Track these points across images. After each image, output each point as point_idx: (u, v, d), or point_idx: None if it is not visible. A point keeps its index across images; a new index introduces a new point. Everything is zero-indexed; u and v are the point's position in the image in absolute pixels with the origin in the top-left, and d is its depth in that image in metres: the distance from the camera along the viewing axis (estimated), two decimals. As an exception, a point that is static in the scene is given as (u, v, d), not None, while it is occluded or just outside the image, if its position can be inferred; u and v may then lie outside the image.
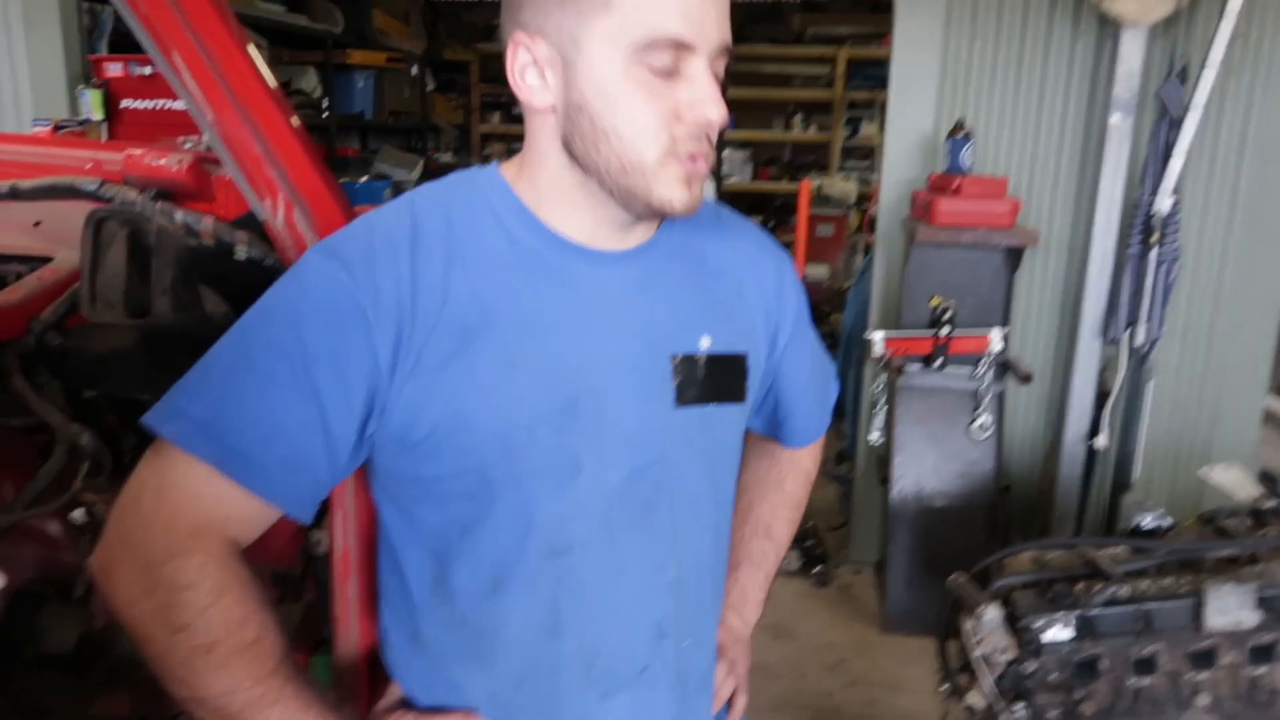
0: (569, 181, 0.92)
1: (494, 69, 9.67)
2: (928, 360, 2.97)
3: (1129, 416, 3.00)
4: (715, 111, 0.87)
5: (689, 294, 1.00)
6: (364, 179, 6.92)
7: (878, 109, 8.91)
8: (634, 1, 0.83)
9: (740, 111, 9.11)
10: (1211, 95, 2.75)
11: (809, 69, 9.12)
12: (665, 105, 0.86)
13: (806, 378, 1.17)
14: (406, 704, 1.01)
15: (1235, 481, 2.09)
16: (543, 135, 0.91)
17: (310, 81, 6.82)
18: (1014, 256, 2.93)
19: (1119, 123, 2.89)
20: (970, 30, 3.10)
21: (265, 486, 0.86)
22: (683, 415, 0.97)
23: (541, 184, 0.93)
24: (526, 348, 0.90)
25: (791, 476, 1.26)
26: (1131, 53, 2.85)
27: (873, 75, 8.83)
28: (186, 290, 1.00)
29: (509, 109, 9.67)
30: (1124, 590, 1.83)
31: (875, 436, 3.13)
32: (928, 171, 3.14)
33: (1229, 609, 1.81)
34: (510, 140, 9.63)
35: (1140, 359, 2.95)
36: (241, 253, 1.08)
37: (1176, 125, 2.76)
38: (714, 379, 0.99)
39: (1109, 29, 3.00)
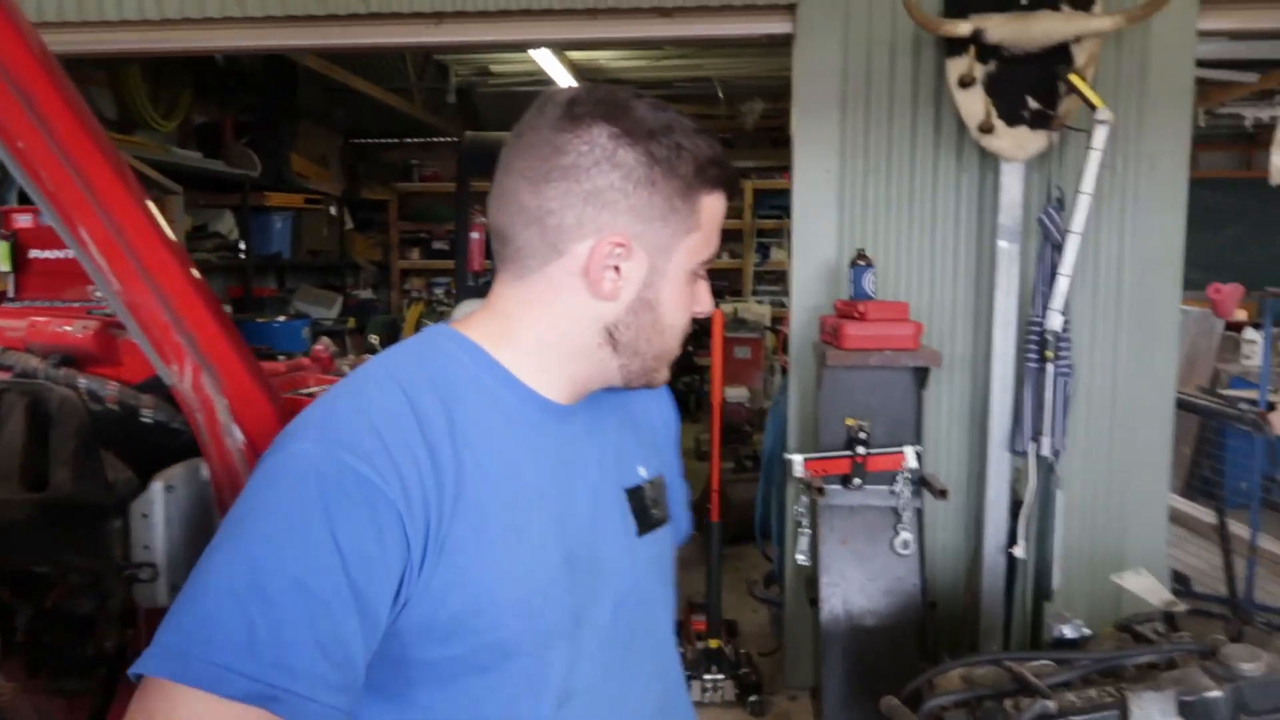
0: (585, 356, 0.97)
1: (412, 206, 9.83)
2: (846, 480, 3.02)
3: (1043, 526, 3.08)
4: (709, 308, 1.01)
5: (620, 430, 1.07)
6: (282, 318, 6.90)
7: (785, 236, 9.31)
8: (708, 230, 0.97)
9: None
10: (1088, 220, 2.96)
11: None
12: (689, 307, 1.00)
13: (680, 484, 1.21)
14: None
15: (1147, 587, 2.16)
16: (583, 316, 0.96)
17: (227, 224, 6.83)
18: (921, 375, 3.04)
19: (1007, 248, 3.07)
20: (863, 164, 3.30)
21: (317, 716, 0.78)
22: (644, 543, 1.04)
23: (532, 349, 0.97)
24: (529, 516, 0.92)
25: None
26: (1012, 184, 3.06)
27: (778, 204, 9.27)
28: (88, 459, 0.98)
29: (428, 245, 9.81)
30: (1051, 705, 1.85)
31: (801, 558, 3.14)
32: (834, 297, 3.27)
33: (1151, 717, 1.84)
34: (429, 274, 9.73)
35: (1048, 469, 3.05)
36: (148, 416, 1.07)
37: (1059, 249, 2.95)
38: (655, 504, 1.06)
39: (990, 162, 3.22)
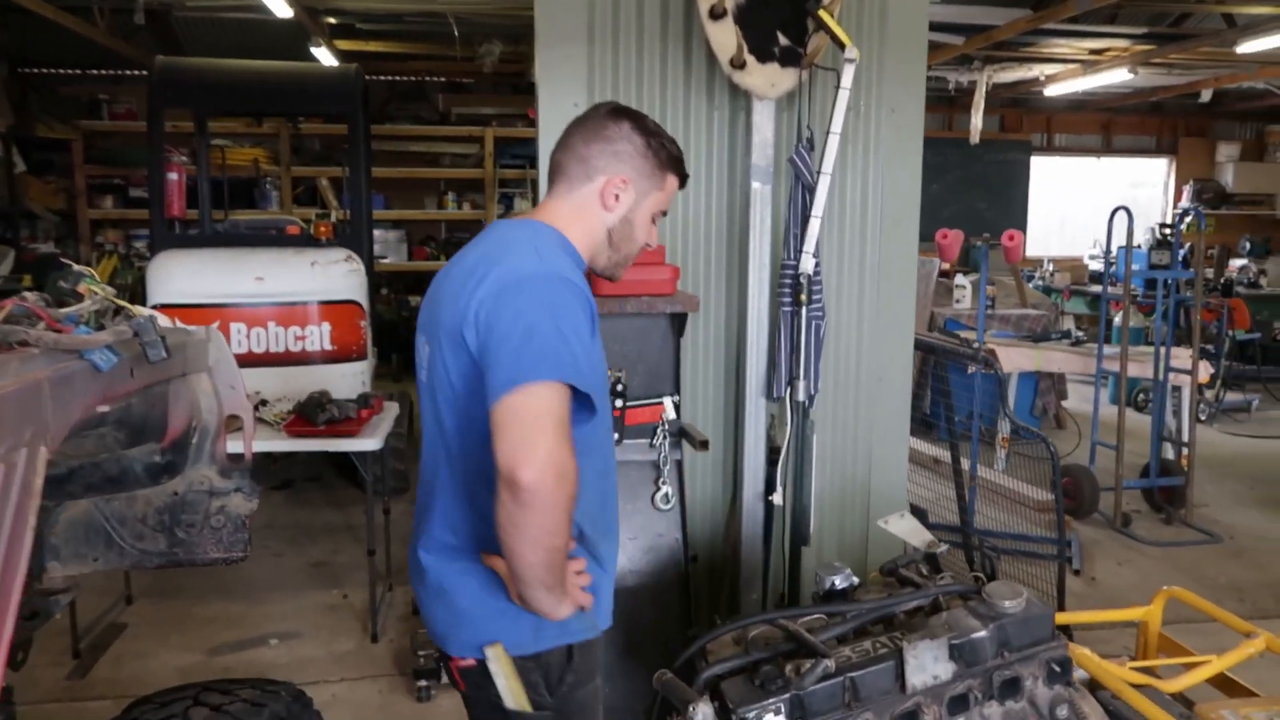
0: (597, 247, 1.76)
1: (102, 148, 8.57)
2: (605, 436, 2.83)
3: (799, 471, 3.06)
4: (655, 245, 1.86)
5: None
6: (-72, 278, 5.75)
7: (529, 187, 9.03)
8: (666, 195, 1.79)
9: (390, 191, 8.82)
10: (836, 163, 2.91)
11: (458, 148, 9.05)
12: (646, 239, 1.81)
13: None
14: None
15: (909, 530, 2.13)
16: (599, 221, 1.74)
17: None
18: (678, 322, 2.90)
19: (759, 189, 2.98)
20: (613, 100, 3.07)
21: (589, 388, 1.54)
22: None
23: (576, 237, 1.73)
24: (597, 340, 1.65)
25: None
26: (764, 123, 2.96)
27: (520, 154, 8.94)
28: None
29: (124, 193, 8.61)
30: (830, 663, 1.75)
31: (559, 522, 2.93)
32: (586, 242, 3.05)
33: (926, 665, 1.79)
34: (127, 226, 8.55)
35: (804, 414, 3.02)
36: None
37: (810, 190, 2.89)
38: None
39: (740, 100, 3.11)
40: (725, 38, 2.84)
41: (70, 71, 8.50)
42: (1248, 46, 7.10)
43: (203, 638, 3.58)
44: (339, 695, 3.17)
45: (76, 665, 3.34)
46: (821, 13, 2.79)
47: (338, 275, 4.54)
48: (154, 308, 4.55)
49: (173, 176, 4.75)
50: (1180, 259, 8.02)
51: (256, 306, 4.46)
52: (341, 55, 7.29)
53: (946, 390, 3.91)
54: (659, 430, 2.92)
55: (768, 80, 2.90)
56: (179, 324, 1.98)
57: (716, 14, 2.82)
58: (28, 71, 8.25)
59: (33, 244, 8.08)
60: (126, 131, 8.41)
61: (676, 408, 2.95)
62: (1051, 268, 9.53)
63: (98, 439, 1.57)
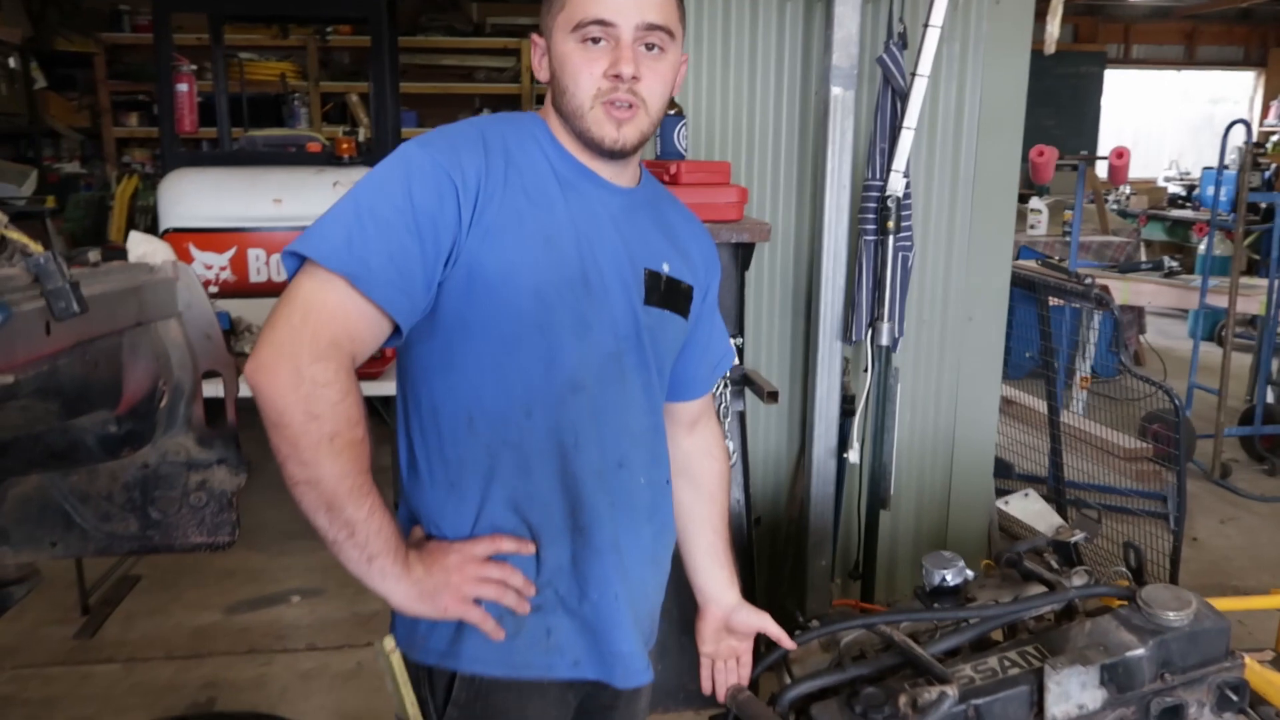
0: (561, 126, 1.30)
1: (126, 62, 8.18)
2: (657, 384, 2.46)
3: (879, 426, 2.67)
4: (625, 68, 1.23)
5: (656, 232, 1.37)
6: (-59, 198, 5.46)
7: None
8: (575, 1, 1.24)
9: (423, 107, 8.35)
10: (932, 63, 2.45)
11: (492, 61, 8.53)
12: (596, 67, 1.24)
13: (701, 349, 1.50)
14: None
15: (1035, 513, 1.75)
16: (548, 101, 1.32)
17: None
18: (744, 253, 2.50)
19: (841, 95, 2.53)
20: (669, -9, 2.62)
21: (386, 299, 1.14)
22: (647, 312, 1.32)
23: (557, 130, 1.31)
24: (558, 232, 1.25)
25: (716, 454, 1.59)
26: (848, 15, 2.49)
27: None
28: None
29: (149, 109, 8.24)
30: (952, 690, 1.39)
31: (605, 480, 2.58)
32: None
33: (1071, 693, 1.42)
34: (152, 145, 8.20)
35: (886, 360, 2.62)
36: None
37: (903, 97, 2.44)
38: (669, 294, 1.35)
39: (818, -10, 2.65)
40: (805, -91, 2.37)
41: (88, -20, 8.07)
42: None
43: (221, 592, 3.33)
44: (364, 663, 2.89)
45: (85, 623, 3.09)
46: (924, -124, 2.31)
47: (362, 197, 4.15)
48: (165, 233, 4.23)
49: (183, 88, 4.37)
50: (1266, 180, 7.40)
51: (275, 231, 4.10)
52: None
53: (1043, 327, 3.46)
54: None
55: (855, -38, 2.42)
56: (144, 256, 1.62)
57: (795, -120, 2.34)
58: (44, -19, 7.84)
59: (56, 164, 7.78)
60: (149, 44, 7.99)
61: (740, 352, 2.56)
62: (1129, 191, 8.86)
63: (22, 411, 1.23)
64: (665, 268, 1.34)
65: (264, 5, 4.89)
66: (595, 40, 1.23)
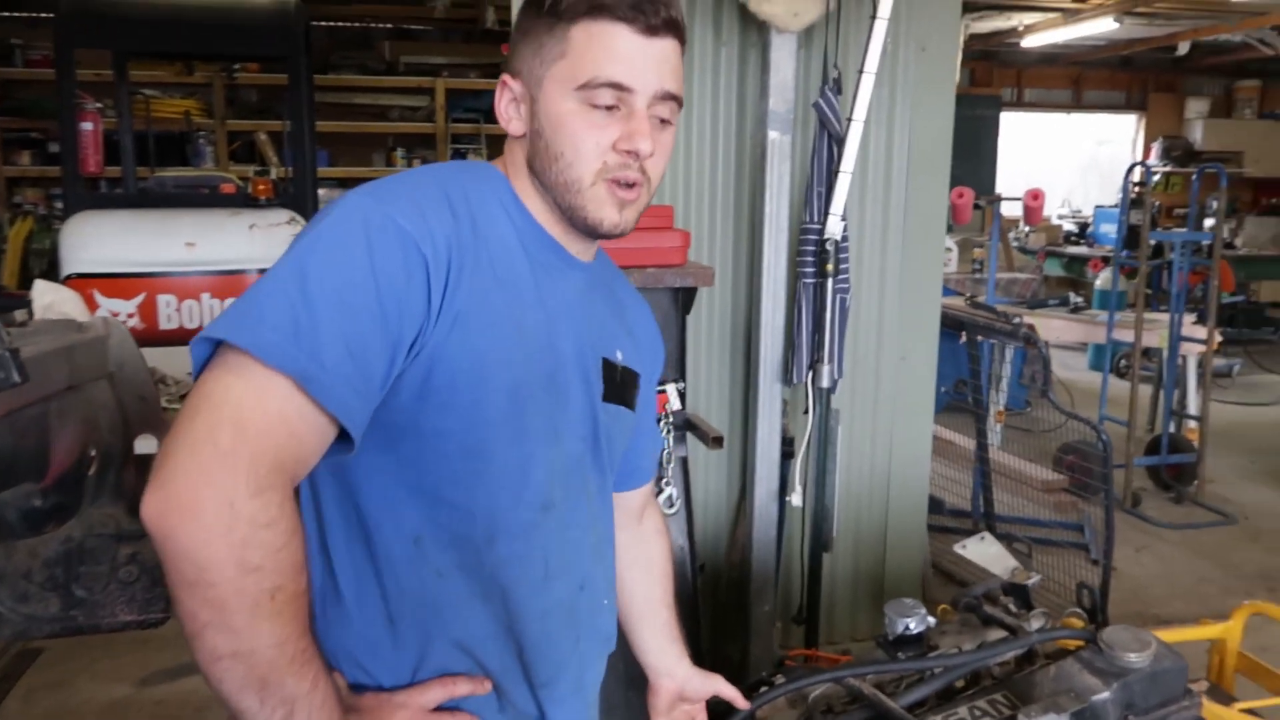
0: (536, 196, 1.10)
1: (18, 98, 7.80)
2: (601, 431, 2.43)
3: (820, 468, 2.68)
4: (643, 144, 1.03)
5: (609, 314, 1.20)
6: None
7: (484, 141, 8.47)
8: (582, 50, 1.02)
9: (334, 146, 8.20)
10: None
11: (407, 100, 8.44)
12: (604, 136, 1.04)
13: (649, 433, 1.39)
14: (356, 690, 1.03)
15: (991, 556, 1.76)
16: (518, 158, 1.10)
17: None
18: (685, 298, 2.48)
19: (778, 140, 2.56)
20: (604, 35, 2.62)
21: (340, 403, 0.87)
22: (605, 409, 1.15)
23: (524, 193, 1.10)
24: (530, 319, 1.04)
25: (656, 541, 1.48)
26: (783, 61, 2.53)
27: (474, 107, 8.36)
28: None
29: (43, 147, 7.87)
30: (925, 744, 1.38)
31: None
32: (574, 203, 2.61)
33: (1044, 742, 1.42)
34: (48, 184, 7.82)
35: (827, 402, 2.63)
36: None
37: (839, 141, 2.48)
38: (623, 386, 1.19)
39: (751, 35, 2.68)
40: (741, -42, 2.40)
41: (-26, 13, 7.70)
42: (1241, -6, 6.81)
43: (134, 662, 3.11)
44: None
45: (-22, 700, 2.86)
46: (856, -71, 2.36)
47: (280, 239, 4.01)
48: (67, 278, 4.02)
49: (87, 126, 4.18)
50: (1149, 219, 7.83)
51: (188, 276, 3.94)
52: (278, -4, 6.64)
53: (973, 366, 3.54)
54: (663, 422, 2.51)
55: (790, 8, 2.46)
56: (76, 313, 1.51)
57: (731, -70, 2.37)
58: (-73, 13, 7.46)
59: (-63, 204, 7.36)
60: (44, 80, 7.63)
61: (682, 396, 2.54)
62: (1027, 229, 9.24)
63: (-61, 488, 1.12)
64: (619, 355, 1.19)
65: (175, 42, 4.72)
66: (603, 102, 1.03)
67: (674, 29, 1.05)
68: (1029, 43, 9.09)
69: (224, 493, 0.81)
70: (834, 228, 2.51)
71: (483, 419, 0.99)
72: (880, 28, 2.35)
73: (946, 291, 6.10)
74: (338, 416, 0.88)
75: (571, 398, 1.09)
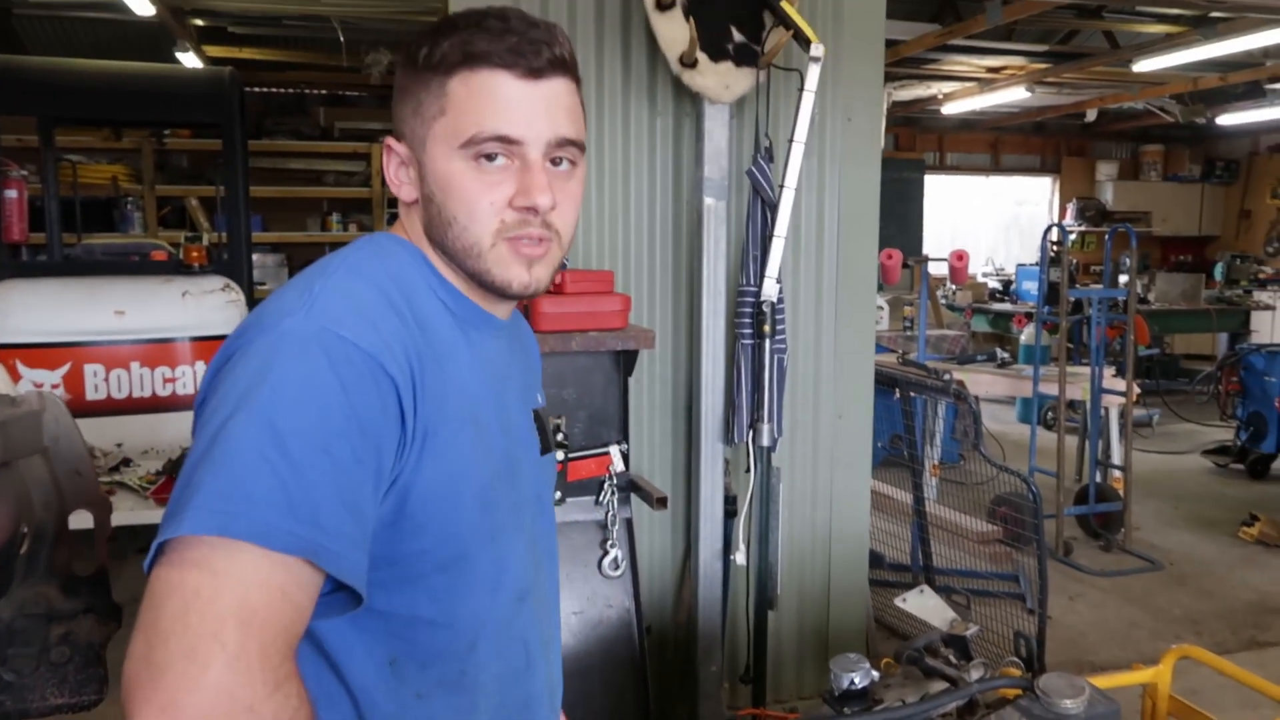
0: (443, 262, 1.02)
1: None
2: (544, 495, 2.43)
3: (763, 525, 2.70)
4: (541, 199, 0.95)
5: (524, 363, 1.17)
6: None
7: (421, 205, 8.51)
8: (462, 104, 0.95)
9: (268, 211, 8.14)
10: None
11: (342, 165, 8.44)
12: (498, 194, 0.96)
13: None
14: None
15: (930, 608, 1.80)
16: (416, 225, 1.02)
17: None
18: (627, 360, 2.52)
19: (714, 205, 2.63)
20: (542, 105, 2.68)
21: (350, 570, 0.81)
22: (542, 462, 1.13)
23: (436, 261, 1.02)
24: (481, 412, 0.98)
25: None
26: (717, 131, 2.62)
27: (414, 171, 8.40)
28: None
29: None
30: (877, 802, 1.39)
31: (491, 597, 2.49)
32: (515, 268, 2.64)
33: (990, 793, 1.45)
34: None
35: (768, 461, 2.67)
36: None
37: (772, 207, 2.56)
38: (544, 431, 1.16)
39: (685, 105, 2.77)
40: (674, 32, 2.49)
41: (-107, 78, 7.51)
42: (1142, 65, 7.22)
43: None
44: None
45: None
46: (784, 5, 2.47)
47: (214, 306, 3.96)
48: (-11, 348, 3.89)
49: (12, 194, 4.09)
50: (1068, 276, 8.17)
51: (117, 345, 3.84)
52: (211, 63, 6.63)
53: (906, 421, 3.63)
54: (606, 484, 2.53)
55: (721, 81, 2.55)
56: (2, 386, 1.48)
57: (664, 5, 2.46)
58: None
59: None
60: (-39, 145, 7.48)
61: (625, 458, 2.56)
62: (954, 287, 9.54)
63: None
64: (539, 399, 1.18)
65: (105, 109, 4.67)
66: (491, 157, 0.95)
67: (561, 68, 0.97)
68: (949, 109, 9.50)
69: (241, 702, 0.72)
70: (770, 290, 2.57)
71: (455, 532, 0.93)
72: (808, 100, 2.45)
73: (880, 349, 6.26)
74: (349, 582, 0.81)
75: (521, 471, 1.05)
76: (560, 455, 2.44)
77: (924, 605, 1.85)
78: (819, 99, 2.88)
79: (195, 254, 4.24)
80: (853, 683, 1.68)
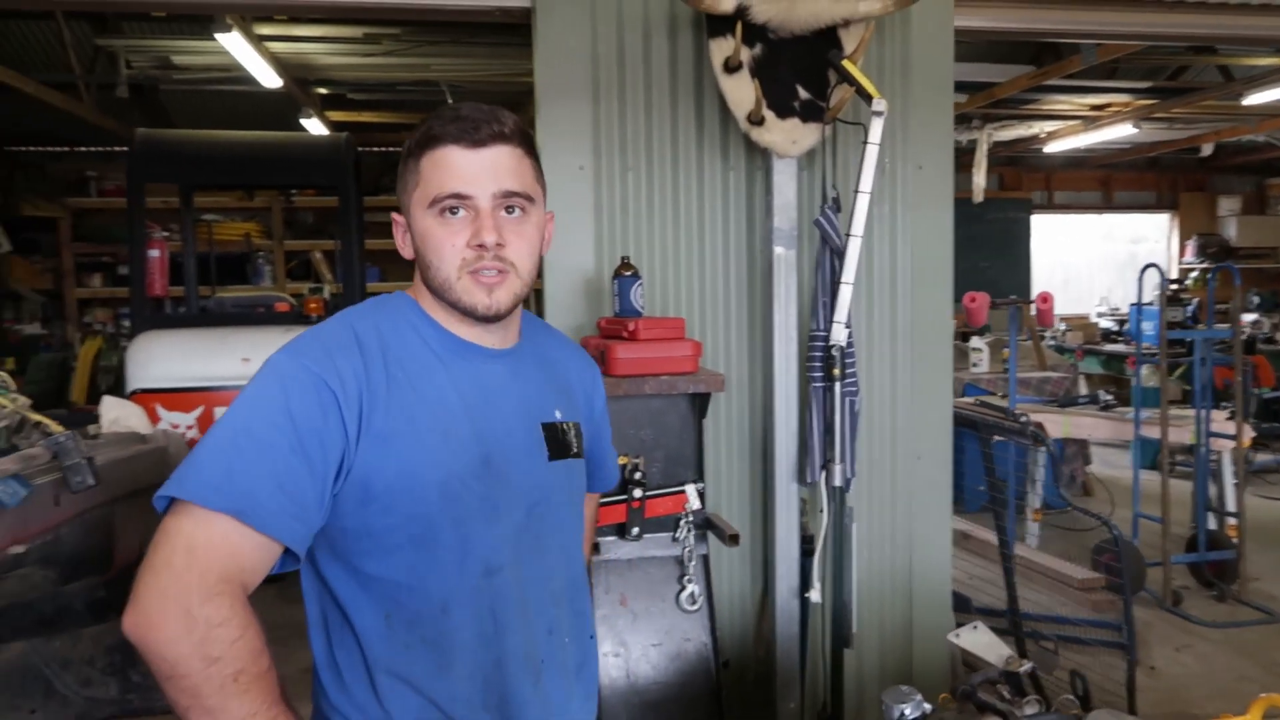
0: (438, 305, 1.31)
1: (90, 225, 8.36)
2: (623, 530, 2.55)
3: (838, 565, 2.76)
4: (487, 237, 1.24)
5: (543, 382, 1.40)
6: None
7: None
8: (429, 174, 1.26)
9: (386, 263, 8.57)
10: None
11: (453, 218, 8.87)
12: (458, 239, 1.25)
13: (608, 446, 1.66)
14: None
15: (985, 644, 1.84)
16: (418, 278, 1.32)
17: None
18: (701, 402, 2.63)
19: (783, 254, 2.74)
20: (620, 161, 2.86)
21: (277, 528, 1.10)
22: (553, 468, 1.36)
23: (431, 307, 1.32)
24: (453, 422, 1.25)
25: (589, 510, 1.69)
26: (785, 184, 2.73)
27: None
28: None
29: (112, 270, 8.38)
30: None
31: (572, 628, 2.62)
32: (597, 315, 2.80)
33: (1030, 822, 1.49)
34: (116, 304, 8.30)
35: (841, 501, 2.73)
36: None
37: (839, 254, 2.65)
38: (564, 441, 1.39)
39: (756, 159, 2.90)
40: (742, 92, 2.63)
41: (57, 149, 8.34)
42: (1253, 99, 6.98)
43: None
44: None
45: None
46: (845, 63, 2.59)
47: (328, 354, 4.27)
48: (133, 393, 4.29)
49: (154, 254, 4.52)
50: (1190, 315, 7.84)
51: (242, 389, 4.19)
52: (333, 126, 7.13)
53: (987, 464, 3.62)
54: (682, 522, 2.63)
55: (788, 137, 2.67)
56: (139, 425, 1.71)
57: (731, 67, 2.61)
58: (13, 150, 8.09)
59: (17, 325, 7.84)
60: (115, 208, 8.20)
61: (701, 496, 2.66)
62: (1064, 327, 9.30)
63: (21, 579, 1.29)
64: (558, 414, 1.38)
65: (234, 174, 5.11)
66: (453, 211, 1.23)
67: (502, 139, 1.25)
68: (1052, 148, 9.33)
69: (180, 603, 1.03)
70: (839, 335, 2.65)
71: (421, 513, 1.19)
72: (872, 152, 2.54)
73: (978, 390, 6.19)
74: (276, 537, 1.10)
75: (511, 473, 1.28)
76: (638, 494, 2.56)
77: (977, 641, 1.88)
78: (890, 148, 2.98)
79: (313, 304, 4.58)
80: (903, 714, 1.73)
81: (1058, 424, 5.29)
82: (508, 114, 1.28)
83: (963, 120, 8.55)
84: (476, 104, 1.27)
